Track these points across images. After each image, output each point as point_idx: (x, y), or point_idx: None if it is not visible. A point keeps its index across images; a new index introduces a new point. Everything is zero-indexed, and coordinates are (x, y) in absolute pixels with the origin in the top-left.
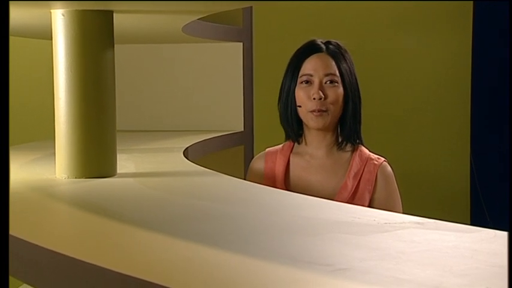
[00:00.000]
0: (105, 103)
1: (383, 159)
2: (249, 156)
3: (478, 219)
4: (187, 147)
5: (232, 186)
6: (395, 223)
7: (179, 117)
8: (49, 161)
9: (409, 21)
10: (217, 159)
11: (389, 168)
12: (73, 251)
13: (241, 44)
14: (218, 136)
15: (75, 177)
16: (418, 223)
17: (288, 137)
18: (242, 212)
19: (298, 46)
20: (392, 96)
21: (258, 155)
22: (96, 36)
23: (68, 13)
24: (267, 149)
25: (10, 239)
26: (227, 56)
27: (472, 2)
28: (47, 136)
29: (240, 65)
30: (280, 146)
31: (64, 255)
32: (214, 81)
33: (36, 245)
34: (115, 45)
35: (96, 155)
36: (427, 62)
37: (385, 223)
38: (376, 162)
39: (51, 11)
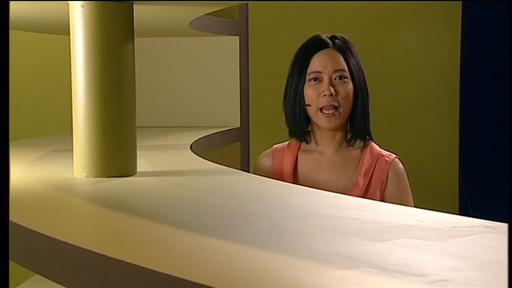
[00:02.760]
0: (125, 99)
1: (394, 155)
2: (246, 153)
3: (464, 214)
4: (190, 144)
5: (260, 185)
6: (464, 227)
7: (175, 112)
8: (59, 159)
9: (400, 20)
10: (214, 155)
11: (400, 165)
12: (110, 250)
13: (238, 37)
14: (217, 132)
15: (95, 177)
16: (489, 227)
17: (294, 136)
18: (288, 214)
19: (295, 40)
20: (382, 93)
21: (264, 152)
22: (116, 29)
23: (87, 5)
24: (274, 146)
25: (36, 236)
26: (224, 50)
27: (460, 1)
28: (45, 132)
29: (237, 59)
30: (287, 142)
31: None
32: (210, 76)
33: (67, 243)
34: None
35: (116, 153)
36: (418, 60)
37: (453, 227)
38: (387, 159)
39: (69, 2)
